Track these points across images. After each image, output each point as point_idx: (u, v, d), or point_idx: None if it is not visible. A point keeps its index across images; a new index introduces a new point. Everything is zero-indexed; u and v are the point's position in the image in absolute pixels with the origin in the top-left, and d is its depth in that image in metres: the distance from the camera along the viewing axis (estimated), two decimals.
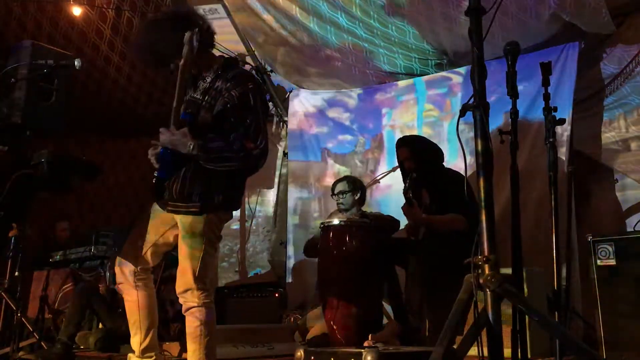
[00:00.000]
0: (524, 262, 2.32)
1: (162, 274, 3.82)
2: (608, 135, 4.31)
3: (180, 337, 3.52)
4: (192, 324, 2.44)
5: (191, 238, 2.47)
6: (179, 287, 2.47)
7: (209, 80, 2.56)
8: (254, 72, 5.34)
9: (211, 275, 2.55)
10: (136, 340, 2.62)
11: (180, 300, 2.49)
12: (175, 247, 2.62)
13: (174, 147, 2.41)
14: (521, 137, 2.56)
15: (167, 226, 2.61)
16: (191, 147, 2.38)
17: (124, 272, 2.63)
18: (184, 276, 2.46)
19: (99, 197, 6.59)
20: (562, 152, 4.04)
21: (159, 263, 2.80)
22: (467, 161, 2.05)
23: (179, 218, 2.52)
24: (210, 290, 2.49)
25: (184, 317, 2.49)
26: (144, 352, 2.63)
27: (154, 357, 2.65)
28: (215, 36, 2.63)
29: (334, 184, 4.29)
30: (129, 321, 2.66)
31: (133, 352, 2.66)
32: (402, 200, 3.89)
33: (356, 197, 4.21)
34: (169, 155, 2.43)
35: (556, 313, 2.49)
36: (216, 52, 2.70)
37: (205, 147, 2.39)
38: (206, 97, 2.53)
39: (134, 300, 2.62)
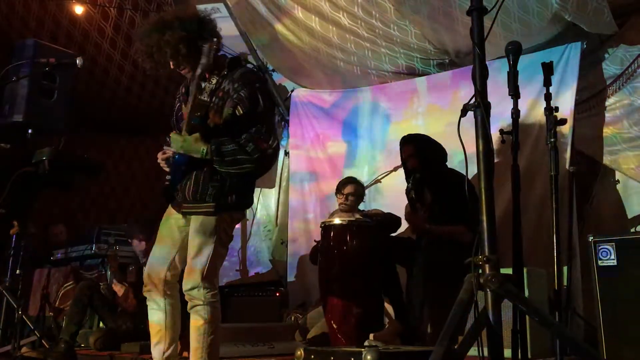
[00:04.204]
0: (525, 262, 2.32)
1: None
2: (610, 136, 4.30)
3: (181, 337, 3.52)
4: (196, 322, 2.44)
5: (202, 237, 2.46)
6: (185, 284, 2.46)
7: (214, 81, 2.54)
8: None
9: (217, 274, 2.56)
10: (159, 349, 2.58)
11: (186, 298, 2.48)
12: None
13: (187, 153, 2.41)
14: (522, 137, 2.56)
15: (184, 230, 2.58)
16: (204, 151, 2.38)
17: (154, 281, 2.56)
18: (192, 274, 2.45)
19: (102, 195, 6.60)
20: (564, 152, 4.02)
21: None
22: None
23: (192, 218, 2.51)
24: (216, 289, 2.49)
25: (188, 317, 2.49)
26: None
27: None
28: (221, 41, 2.62)
29: (339, 184, 4.29)
30: (151, 329, 2.60)
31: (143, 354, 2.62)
32: (401, 199, 3.88)
33: (360, 200, 4.23)
34: (182, 160, 2.44)
35: (557, 313, 2.49)
36: None
37: (219, 151, 2.38)
38: (214, 99, 2.50)
39: (160, 309, 2.57)
